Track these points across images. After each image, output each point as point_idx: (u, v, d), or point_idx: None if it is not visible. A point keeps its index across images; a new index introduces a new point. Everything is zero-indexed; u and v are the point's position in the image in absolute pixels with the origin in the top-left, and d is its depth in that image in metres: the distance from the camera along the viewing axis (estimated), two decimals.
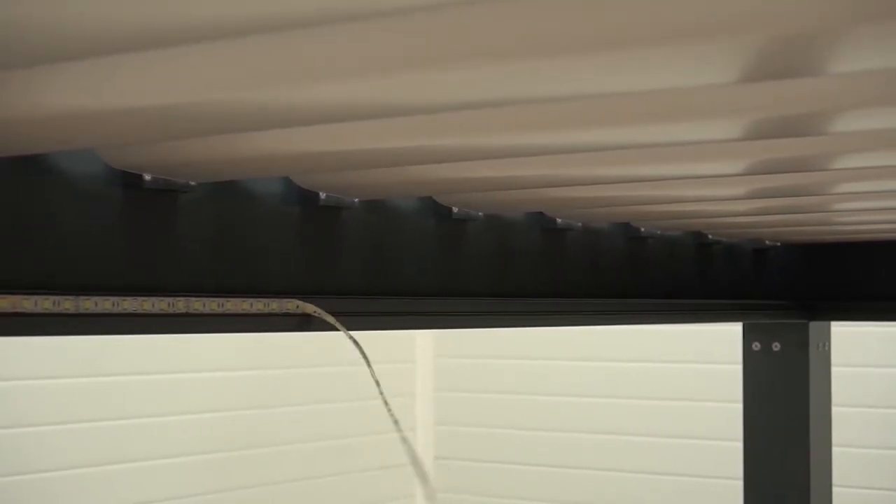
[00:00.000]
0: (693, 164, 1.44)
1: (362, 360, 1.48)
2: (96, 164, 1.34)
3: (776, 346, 2.76)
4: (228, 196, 1.49)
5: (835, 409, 2.89)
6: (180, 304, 1.38)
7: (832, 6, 0.77)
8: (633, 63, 0.90)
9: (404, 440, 1.44)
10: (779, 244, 2.71)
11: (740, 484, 2.82)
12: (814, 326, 2.75)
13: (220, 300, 1.42)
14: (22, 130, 1.13)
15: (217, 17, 0.82)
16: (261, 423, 4.90)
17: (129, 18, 0.83)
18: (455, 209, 1.80)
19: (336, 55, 0.91)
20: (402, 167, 1.40)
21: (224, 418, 4.75)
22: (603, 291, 2.16)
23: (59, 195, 1.30)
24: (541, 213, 1.98)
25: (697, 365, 4.97)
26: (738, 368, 2.84)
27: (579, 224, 2.06)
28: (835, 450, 2.89)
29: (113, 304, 1.31)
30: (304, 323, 1.52)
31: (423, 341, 5.63)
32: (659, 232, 2.28)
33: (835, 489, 2.88)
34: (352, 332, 1.49)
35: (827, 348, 2.81)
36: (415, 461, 1.42)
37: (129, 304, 1.32)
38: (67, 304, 1.26)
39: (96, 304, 1.29)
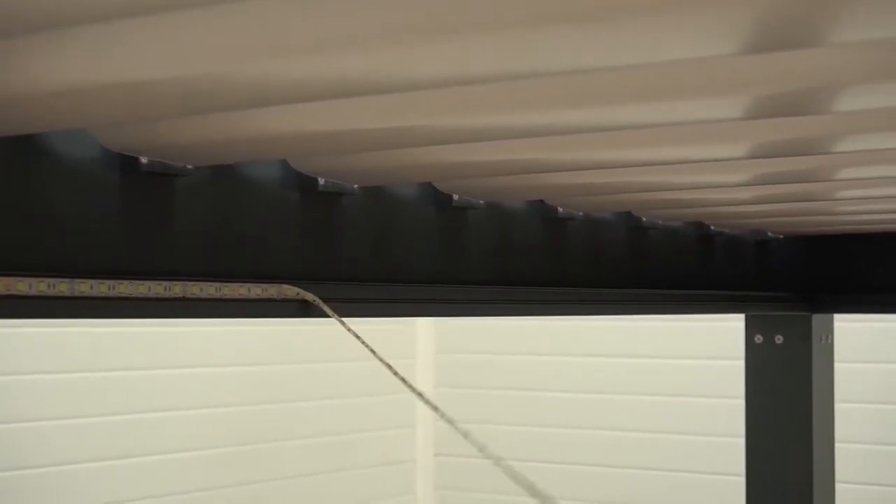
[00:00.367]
0: (694, 147, 1.43)
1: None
2: (93, 146, 1.32)
3: (779, 339, 2.75)
4: (227, 181, 1.47)
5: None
6: (177, 289, 1.36)
7: None
8: (632, 33, 0.88)
9: (424, 399, 1.43)
10: (781, 236, 2.70)
11: (743, 480, 2.81)
12: (816, 319, 2.74)
13: (218, 285, 1.41)
14: (14, 107, 1.12)
15: None
16: (261, 419, 4.88)
17: None
18: (455, 197, 1.79)
19: (327, 28, 0.90)
20: (400, 149, 1.38)
21: (224, 414, 4.74)
22: (604, 282, 2.15)
23: (55, 177, 1.29)
24: (542, 202, 1.97)
25: (700, 361, 4.96)
26: (742, 364, 2.83)
27: (580, 214, 2.05)
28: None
29: (109, 288, 1.29)
30: (303, 310, 1.50)
31: (424, 336, 5.61)
32: (660, 222, 2.27)
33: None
34: (352, 319, 1.47)
35: (830, 341, 2.79)
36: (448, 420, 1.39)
37: (126, 288, 1.31)
38: (62, 286, 1.25)
39: (92, 288, 1.28)
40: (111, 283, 1.30)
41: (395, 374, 1.41)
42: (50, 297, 1.24)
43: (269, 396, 4.92)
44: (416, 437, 5.61)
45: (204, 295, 1.39)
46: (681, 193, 1.90)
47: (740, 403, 2.84)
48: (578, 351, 5.27)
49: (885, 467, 4.58)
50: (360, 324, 1.45)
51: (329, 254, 1.62)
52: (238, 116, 1.20)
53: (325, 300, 1.50)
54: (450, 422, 1.33)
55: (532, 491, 1.21)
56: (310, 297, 1.49)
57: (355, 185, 1.63)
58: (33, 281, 1.22)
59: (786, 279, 2.72)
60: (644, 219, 2.20)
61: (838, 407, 4.42)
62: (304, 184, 1.57)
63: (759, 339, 2.77)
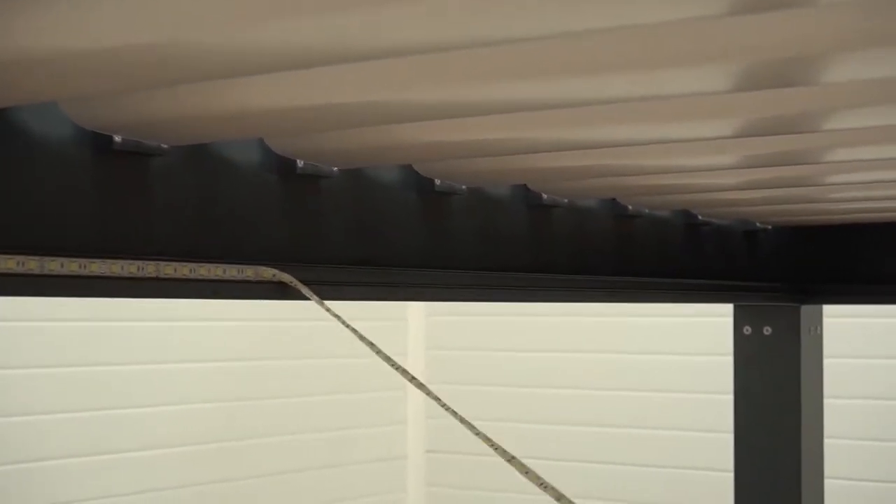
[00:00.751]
0: (679, 125, 1.40)
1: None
2: (65, 124, 1.30)
3: (767, 330, 2.73)
4: (203, 161, 1.45)
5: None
6: (150, 268, 1.34)
7: None
8: None
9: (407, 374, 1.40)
10: (770, 227, 2.68)
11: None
12: (805, 310, 2.72)
13: (192, 265, 1.38)
14: None
15: None
16: (251, 415, 4.87)
17: None
18: (437, 181, 1.76)
19: None
20: (377, 126, 1.36)
21: (214, 410, 4.72)
22: (590, 269, 2.12)
23: (25, 155, 1.26)
24: (525, 188, 1.94)
25: (692, 357, 4.94)
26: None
27: (565, 201, 2.02)
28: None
29: (80, 266, 1.27)
30: (280, 292, 1.48)
31: (415, 332, 5.59)
32: (647, 211, 2.24)
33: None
34: (331, 303, 1.45)
35: (819, 332, 2.77)
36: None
37: (97, 267, 1.29)
38: (32, 264, 1.22)
39: (62, 266, 1.25)
40: (83, 261, 1.27)
41: (379, 353, 1.39)
42: (19, 274, 1.21)
43: (260, 392, 4.91)
44: (408, 433, 5.59)
45: (178, 275, 1.36)
46: (666, 178, 1.87)
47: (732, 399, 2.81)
48: (570, 347, 5.26)
49: (882, 464, 4.56)
50: (353, 322, 1.42)
51: (308, 237, 1.59)
52: (210, 89, 1.18)
53: (304, 283, 1.47)
54: (434, 397, 1.30)
55: (537, 479, 1.19)
56: (287, 278, 1.47)
57: (335, 168, 1.60)
58: (2, 258, 1.20)
59: (774, 270, 2.70)
60: (630, 207, 2.18)
61: (836, 403, 4.41)
62: (283, 166, 1.54)
63: (747, 330, 2.75)
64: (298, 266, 1.51)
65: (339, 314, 1.40)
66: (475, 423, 1.21)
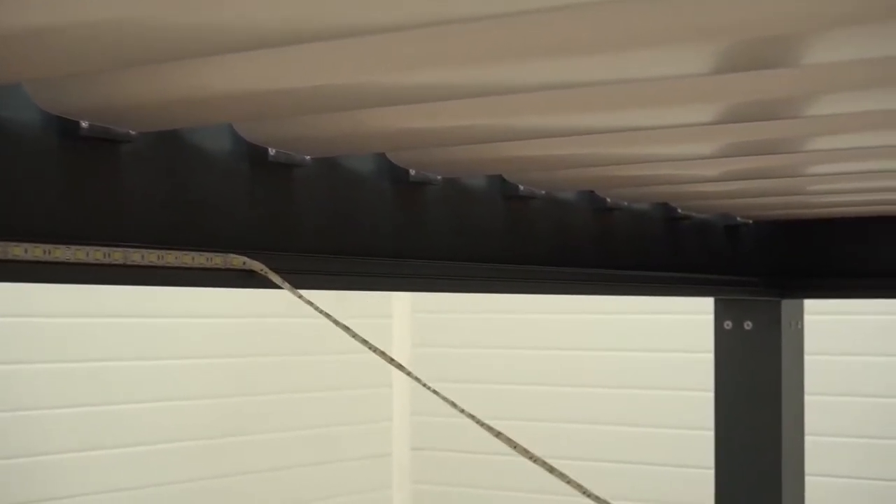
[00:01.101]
0: (657, 110, 1.37)
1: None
2: (30, 109, 1.28)
3: (748, 325, 2.71)
4: (172, 148, 1.43)
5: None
6: (117, 255, 1.32)
7: None
8: None
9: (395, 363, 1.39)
10: (751, 221, 2.67)
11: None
12: (786, 305, 2.71)
13: (160, 252, 1.36)
14: None
15: None
16: (237, 413, 4.85)
17: None
18: (412, 172, 1.74)
19: None
20: (348, 112, 1.34)
21: (199, 407, 4.70)
22: (568, 260, 2.11)
23: None
24: (501, 179, 1.93)
25: (675, 354, 4.94)
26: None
27: (542, 192, 2.00)
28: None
29: (44, 252, 1.25)
30: (248, 279, 1.46)
31: (399, 331, 5.58)
32: (626, 203, 2.23)
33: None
34: (308, 294, 1.43)
35: (800, 327, 2.76)
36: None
37: (62, 253, 1.27)
38: None
39: (26, 251, 1.23)
40: (47, 247, 1.25)
41: (355, 336, 1.37)
42: None
43: (246, 389, 4.89)
44: (393, 430, 5.57)
45: (145, 262, 1.34)
46: (644, 168, 1.85)
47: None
48: (555, 345, 5.25)
49: (878, 462, 4.55)
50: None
51: (281, 225, 1.57)
52: (174, 71, 1.16)
53: (276, 271, 1.45)
54: (417, 379, 1.29)
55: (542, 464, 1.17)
56: (257, 266, 1.45)
57: (307, 157, 1.58)
58: None
59: (755, 264, 2.69)
60: (608, 199, 2.16)
61: (835, 401, 4.40)
62: (254, 154, 1.52)
63: (728, 325, 2.74)
64: (270, 254, 1.49)
65: (324, 309, 1.39)
66: (463, 421, 1.20)
